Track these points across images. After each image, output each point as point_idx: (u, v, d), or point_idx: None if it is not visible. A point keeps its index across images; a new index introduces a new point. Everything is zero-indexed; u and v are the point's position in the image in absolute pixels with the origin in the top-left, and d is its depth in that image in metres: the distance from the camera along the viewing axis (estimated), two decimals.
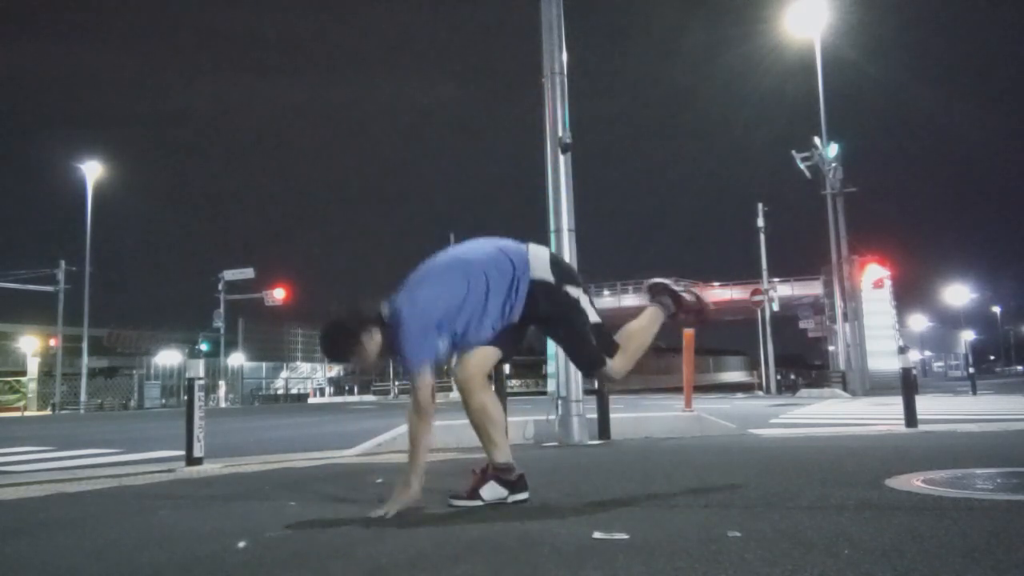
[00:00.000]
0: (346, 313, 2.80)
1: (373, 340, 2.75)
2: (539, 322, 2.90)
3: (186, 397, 4.94)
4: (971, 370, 23.33)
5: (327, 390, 46.34)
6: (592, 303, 2.90)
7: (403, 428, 5.85)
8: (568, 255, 5.86)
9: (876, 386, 22.30)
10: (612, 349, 2.92)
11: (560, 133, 6.07)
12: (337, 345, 2.83)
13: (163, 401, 36.41)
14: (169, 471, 4.37)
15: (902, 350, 7.76)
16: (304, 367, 49.93)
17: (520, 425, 5.86)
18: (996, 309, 78.54)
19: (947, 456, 3.98)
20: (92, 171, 34.83)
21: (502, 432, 2.83)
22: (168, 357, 38.76)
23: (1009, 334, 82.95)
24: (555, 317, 2.86)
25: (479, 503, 2.71)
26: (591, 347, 2.88)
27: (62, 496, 3.46)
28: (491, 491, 2.74)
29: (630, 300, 52.14)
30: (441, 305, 2.71)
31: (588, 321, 2.85)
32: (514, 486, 2.77)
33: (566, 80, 6.17)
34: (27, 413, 31.05)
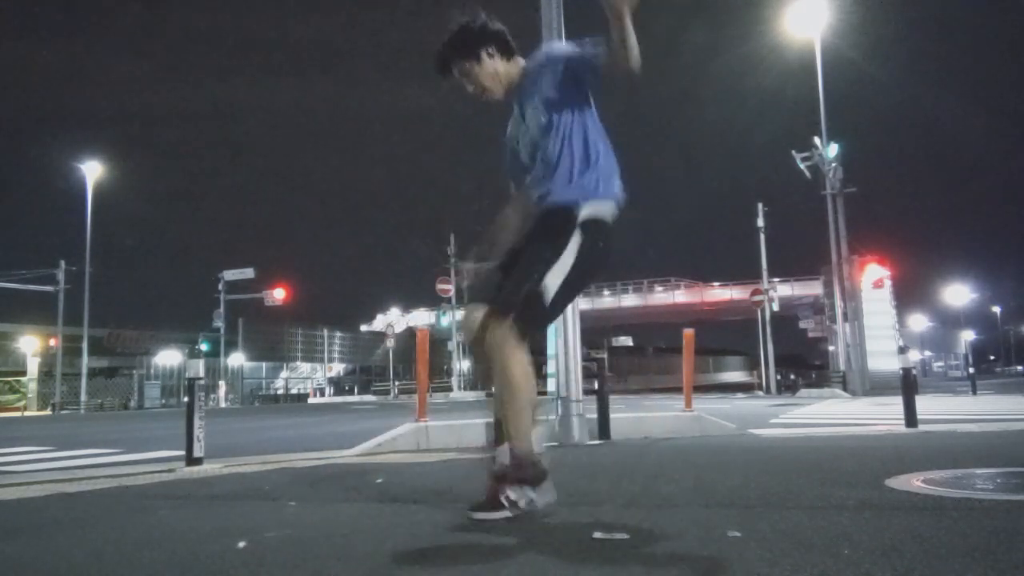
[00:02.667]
0: (480, 20, 2.55)
1: (493, 61, 2.55)
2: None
3: (186, 397, 4.94)
4: (971, 370, 23.35)
5: (327, 390, 46.33)
6: (562, 284, 2.35)
7: (403, 428, 5.85)
8: None
9: (876, 386, 22.29)
10: (525, 322, 2.34)
11: None
12: (452, 46, 2.56)
13: (163, 401, 36.40)
14: (169, 471, 4.36)
15: (902, 350, 7.77)
16: (304, 367, 49.92)
17: None
18: (996, 309, 78.69)
19: (947, 456, 3.97)
20: (92, 171, 34.83)
21: (526, 408, 2.32)
22: (168, 357, 38.75)
23: (1009, 334, 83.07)
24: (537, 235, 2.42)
25: (504, 514, 2.28)
26: (519, 295, 2.33)
27: (62, 496, 3.45)
28: (519, 497, 2.28)
29: (630, 300, 52.27)
30: None
31: (543, 273, 2.32)
32: (536, 482, 2.31)
33: None
34: (27, 413, 31.05)
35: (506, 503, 2.29)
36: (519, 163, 2.65)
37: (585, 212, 2.39)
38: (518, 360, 2.32)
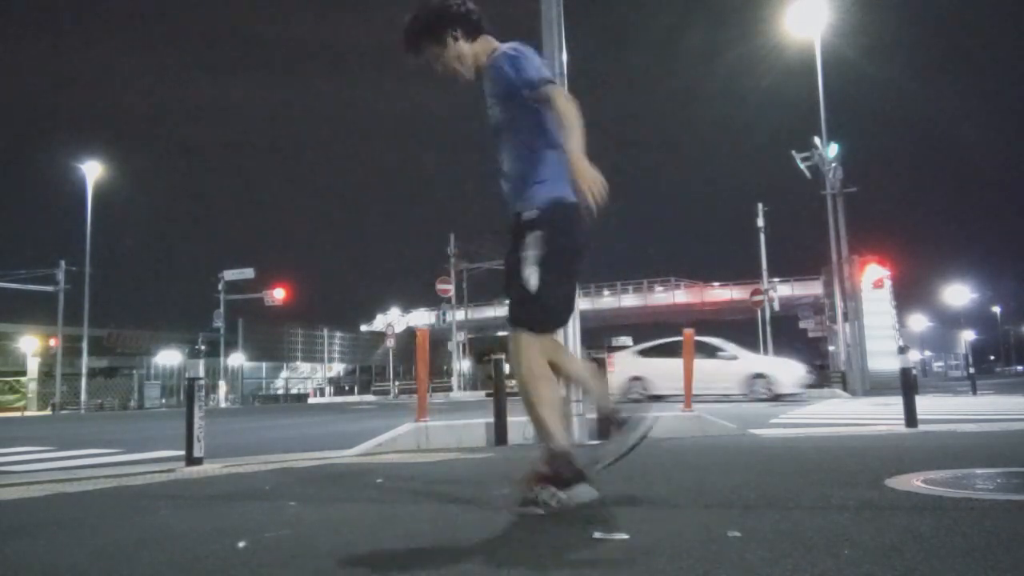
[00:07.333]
0: (442, 3, 2.58)
1: (458, 45, 2.59)
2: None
3: (186, 396, 4.94)
4: (971, 370, 23.33)
5: (327, 390, 46.37)
6: (542, 274, 2.46)
7: (403, 428, 5.84)
8: None
9: (876, 386, 22.28)
10: (533, 319, 2.51)
11: None
12: (416, 30, 2.61)
13: (163, 401, 36.44)
14: (169, 471, 4.36)
15: (902, 350, 7.76)
16: (304, 367, 50.01)
17: (520, 425, 5.86)
18: (996, 309, 78.83)
19: (947, 456, 3.97)
20: (92, 171, 34.91)
21: (550, 409, 2.49)
22: (168, 357, 38.82)
23: (1009, 334, 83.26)
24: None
25: (535, 511, 2.38)
26: (515, 303, 2.52)
27: (62, 496, 3.45)
28: (548, 496, 2.39)
29: (630, 300, 52.28)
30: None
31: (522, 283, 2.46)
32: (569, 483, 2.41)
33: (566, 80, 6.16)
34: (27, 413, 31.06)
35: (536, 501, 2.40)
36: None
37: (529, 214, 2.52)
38: (533, 365, 2.49)
